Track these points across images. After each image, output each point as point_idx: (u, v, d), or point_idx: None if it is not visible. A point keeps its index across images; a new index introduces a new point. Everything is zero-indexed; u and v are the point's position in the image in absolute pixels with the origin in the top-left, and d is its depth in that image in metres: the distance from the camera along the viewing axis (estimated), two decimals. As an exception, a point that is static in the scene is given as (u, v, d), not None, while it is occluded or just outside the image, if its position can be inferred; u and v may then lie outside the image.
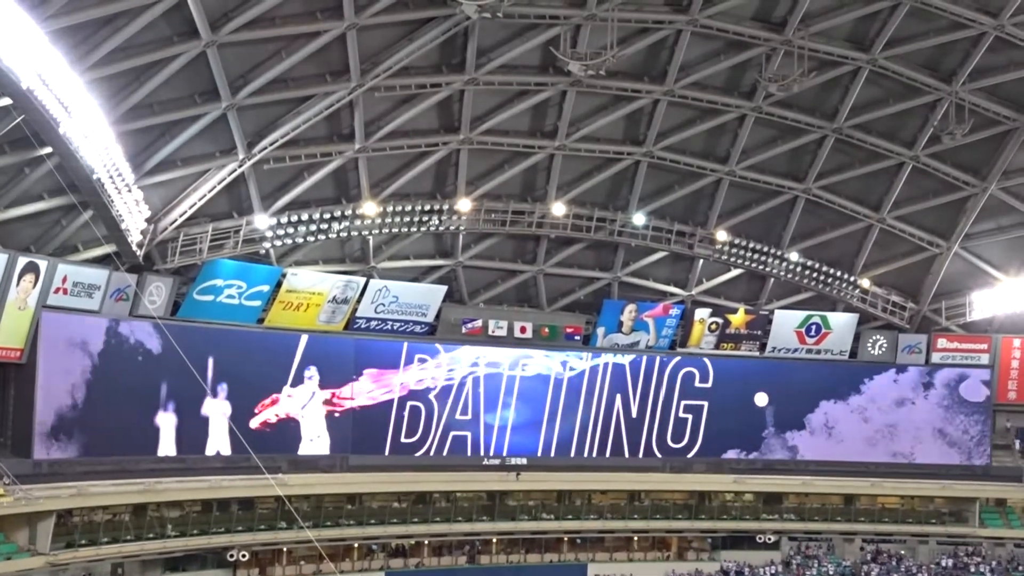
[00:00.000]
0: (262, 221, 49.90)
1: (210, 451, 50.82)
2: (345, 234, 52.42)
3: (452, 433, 57.49)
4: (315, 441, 54.27)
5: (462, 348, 57.73)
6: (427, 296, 56.52)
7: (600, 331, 60.51)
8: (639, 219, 57.39)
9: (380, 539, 55.31)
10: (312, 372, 54.18)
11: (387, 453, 56.11)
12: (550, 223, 56.36)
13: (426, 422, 56.97)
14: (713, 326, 61.51)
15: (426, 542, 56.61)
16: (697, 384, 61.42)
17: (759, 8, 50.53)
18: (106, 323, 47.03)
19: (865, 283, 62.25)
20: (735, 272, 61.79)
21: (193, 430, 50.31)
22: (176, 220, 47.56)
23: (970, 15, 49.89)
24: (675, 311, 61.17)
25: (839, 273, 61.54)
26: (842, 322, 62.58)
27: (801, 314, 62.25)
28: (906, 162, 57.60)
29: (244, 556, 50.32)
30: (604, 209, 57.56)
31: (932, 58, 53.37)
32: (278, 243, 50.99)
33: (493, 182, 54.82)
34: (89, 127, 38.22)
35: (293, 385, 53.50)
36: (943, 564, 60.50)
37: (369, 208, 51.63)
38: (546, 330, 59.44)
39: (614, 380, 60.38)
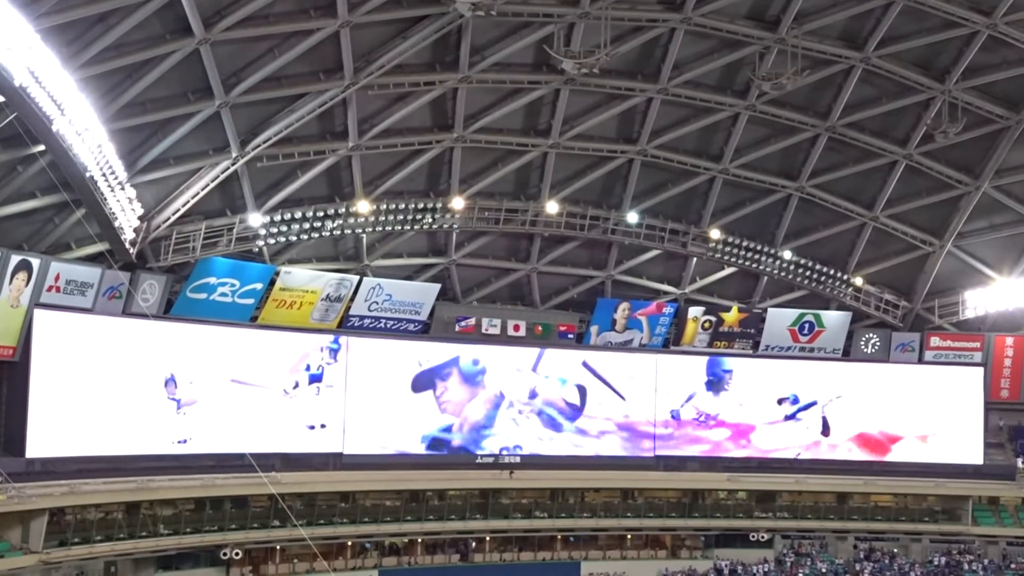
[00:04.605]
0: (255, 219, 49.86)
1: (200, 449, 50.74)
2: (338, 232, 52.39)
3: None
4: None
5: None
6: (420, 294, 56.46)
7: (593, 329, 60.47)
8: (632, 217, 57.39)
9: (373, 537, 55.35)
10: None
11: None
12: (543, 221, 56.33)
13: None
14: (706, 324, 61.50)
15: (419, 540, 56.55)
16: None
17: (752, 7, 50.53)
18: (99, 321, 46.90)
19: (858, 281, 62.29)
20: (728, 270, 61.80)
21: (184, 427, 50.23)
22: (169, 218, 47.55)
23: (963, 14, 49.95)
24: (668, 309, 61.15)
25: (832, 271, 61.59)
26: (835, 320, 62.61)
27: (794, 312, 62.28)
28: (899, 160, 57.66)
29: (237, 554, 50.29)
30: (597, 207, 57.54)
31: (925, 57, 53.43)
32: (271, 241, 51.01)
33: (486, 180, 54.78)
34: (82, 125, 38.24)
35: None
36: (936, 562, 60.62)
37: (362, 206, 51.57)
38: (539, 328, 59.44)
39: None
